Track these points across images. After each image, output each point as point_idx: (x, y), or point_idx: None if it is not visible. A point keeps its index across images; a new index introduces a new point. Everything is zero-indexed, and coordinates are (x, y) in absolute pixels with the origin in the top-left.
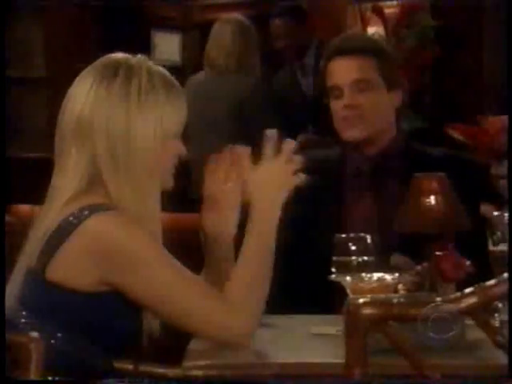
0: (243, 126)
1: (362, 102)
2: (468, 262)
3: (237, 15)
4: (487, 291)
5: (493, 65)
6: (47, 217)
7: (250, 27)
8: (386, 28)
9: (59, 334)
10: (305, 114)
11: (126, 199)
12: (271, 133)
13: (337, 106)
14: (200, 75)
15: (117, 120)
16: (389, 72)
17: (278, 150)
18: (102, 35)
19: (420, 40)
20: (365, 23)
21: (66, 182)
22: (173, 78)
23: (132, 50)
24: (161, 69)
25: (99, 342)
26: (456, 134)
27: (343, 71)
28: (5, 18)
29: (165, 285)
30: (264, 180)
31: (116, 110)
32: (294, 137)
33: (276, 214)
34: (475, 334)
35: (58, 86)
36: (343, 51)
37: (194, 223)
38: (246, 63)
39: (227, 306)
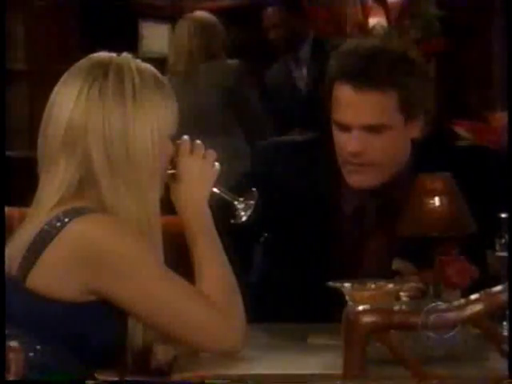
0: (227, 118)
1: (374, 147)
2: (474, 268)
3: (199, 12)
4: (493, 298)
5: (502, 58)
6: (31, 222)
7: (211, 24)
8: (388, 18)
9: (38, 347)
10: (297, 108)
11: (125, 204)
12: (184, 139)
13: (341, 142)
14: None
15: (113, 122)
16: (412, 102)
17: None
18: (86, 25)
19: (424, 31)
20: (366, 13)
21: (53, 189)
22: (161, 76)
23: (118, 41)
24: (149, 66)
25: (81, 355)
26: (462, 131)
27: (354, 109)
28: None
29: (158, 293)
30: (187, 180)
31: (112, 112)
32: (286, 131)
33: (206, 209)
34: (482, 343)
35: (39, 80)
36: (359, 80)
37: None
38: (207, 58)
39: (221, 315)
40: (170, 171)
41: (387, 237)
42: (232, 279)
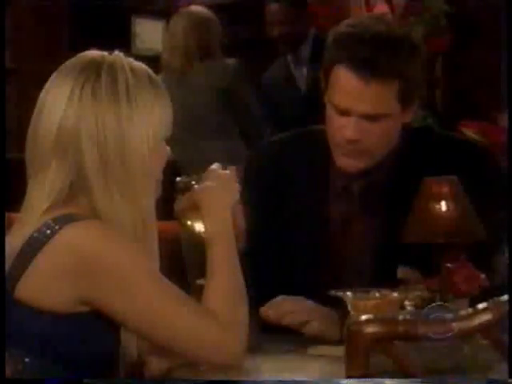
0: (224, 120)
1: (370, 135)
2: (482, 276)
3: (194, 7)
4: (502, 307)
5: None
6: (20, 229)
7: (207, 20)
8: (393, 14)
9: (27, 359)
10: (297, 108)
11: (119, 210)
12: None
13: (337, 126)
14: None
15: (107, 124)
16: (410, 90)
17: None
18: (76, 22)
19: (431, 28)
20: (369, 9)
21: (43, 194)
22: (155, 75)
23: (110, 39)
24: (142, 65)
25: (71, 367)
26: (470, 132)
27: (356, 97)
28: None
29: (152, 303)
30: (210, 193)
31: (106, 113)
32: (283, 131)
33: (228, 223)
34: (490, 353)
35: (27, 79)
36: (364, 68)
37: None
38: (203, 56)
39: (220, 326)
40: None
41: (371, 218)
42: (240, 290)
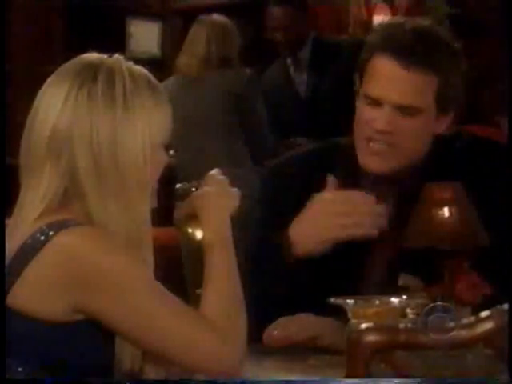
0: (231, 122)
1: (402, 129)
2: (486, 284)
3: (216, 17)
4: (505, 315)
5: None
6: (11, 235)
7: (229, 31)
8: (394, 17)
9: (20, 369)
10: (296, 113)
11: (113, 217)
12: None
13: (369, 117)
14: (169, 81)
15: (102, 129)
16: (447, 93)
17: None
18: (71, 23)
19: None
20: (370, 11)
21: (36, 199)
22: (155, 80)
23: (105, 40)
24: (142, 69)
25: (66, 378)
26: None
27: (393, 85)
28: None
29: (147, 310)
30: (209, 198)
31: (100, 119)
32: (283, 137)
33: (228, 222)
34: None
35: (22, 81)
36: (405, 55)
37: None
38: (222, 65)
39: (218, 336)
40: (193, 188)
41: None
42: (239, 298)
